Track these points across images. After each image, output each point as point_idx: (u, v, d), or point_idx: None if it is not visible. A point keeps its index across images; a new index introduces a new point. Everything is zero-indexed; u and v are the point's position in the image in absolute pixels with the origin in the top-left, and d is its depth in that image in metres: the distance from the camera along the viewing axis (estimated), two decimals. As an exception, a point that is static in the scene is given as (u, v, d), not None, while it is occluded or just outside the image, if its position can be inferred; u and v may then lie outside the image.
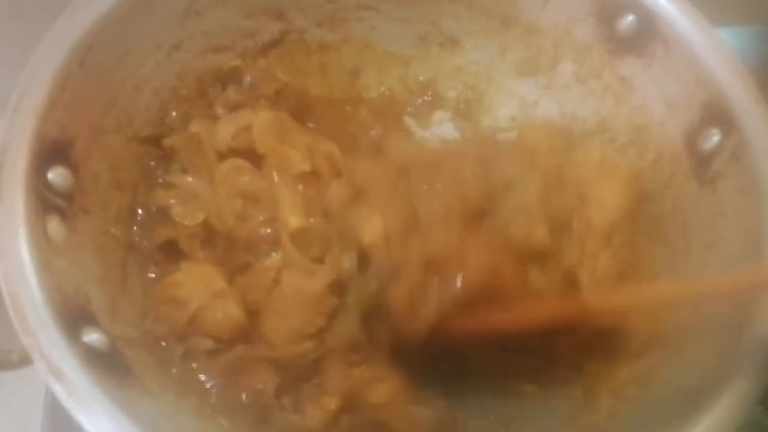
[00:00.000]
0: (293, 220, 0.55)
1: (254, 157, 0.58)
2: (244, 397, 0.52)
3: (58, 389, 0.40)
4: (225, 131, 0.58)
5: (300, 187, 0.57)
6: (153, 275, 0.56)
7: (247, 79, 0.63)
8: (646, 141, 0.58)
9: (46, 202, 0.46)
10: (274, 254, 0.56)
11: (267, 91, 0.63)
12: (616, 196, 0.56)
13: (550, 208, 0.53)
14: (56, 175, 0.47)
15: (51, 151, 0.48)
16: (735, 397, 0.43)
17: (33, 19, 0.53)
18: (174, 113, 0.59)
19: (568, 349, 0.54)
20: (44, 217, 0.46)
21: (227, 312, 0.53)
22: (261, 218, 0.56)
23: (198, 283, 0.53)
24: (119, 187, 0.55)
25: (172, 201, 0.57)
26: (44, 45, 0.49)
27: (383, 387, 0.53)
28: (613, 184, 0.56)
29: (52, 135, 0.48)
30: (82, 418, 0.40)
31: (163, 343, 0.53)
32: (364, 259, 0.54)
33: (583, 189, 0.55)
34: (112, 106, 0.54)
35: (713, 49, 0.54)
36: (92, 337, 0.44)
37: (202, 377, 0.52)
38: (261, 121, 0.58)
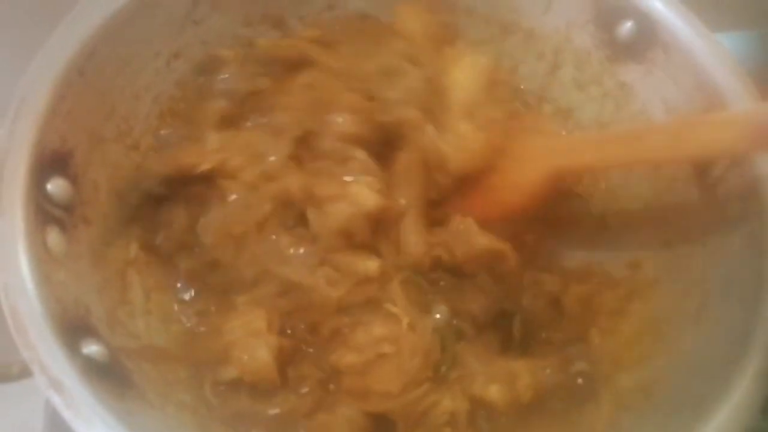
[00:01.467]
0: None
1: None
2: None
3: (58, 402, 0.40)
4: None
5: None
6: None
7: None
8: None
9: (45, 214, 0.46)
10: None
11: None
12: (470, 79, 0.55)
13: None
14: (55, 186, 0.47)
15: (50, 161, 0.47)
16: (739, 406, 0.43)
17: (32, 26, 0.53)
18: (162, 132, 0.58)
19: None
20: (44, 229, 0.46)
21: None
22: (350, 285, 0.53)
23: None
24: (120, 197, 0.55)
25: None
26: (43, 53, 0.49)
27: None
28: (465, 69, 0.56)
29: (51, 145, 0.48)
30: (81, 430, 0.40)
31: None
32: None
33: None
34: (111, 114, 0.54)
35: (713, 53, 0.54)
36: (92, 348, 0.44)
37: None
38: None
